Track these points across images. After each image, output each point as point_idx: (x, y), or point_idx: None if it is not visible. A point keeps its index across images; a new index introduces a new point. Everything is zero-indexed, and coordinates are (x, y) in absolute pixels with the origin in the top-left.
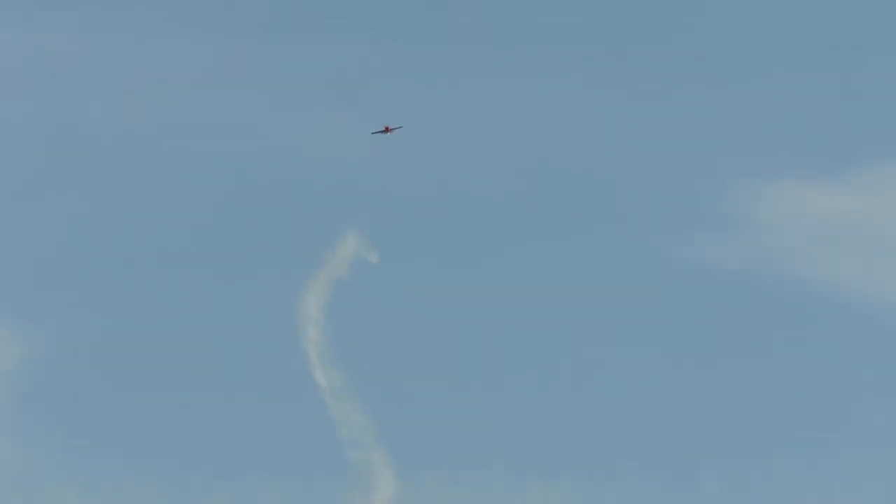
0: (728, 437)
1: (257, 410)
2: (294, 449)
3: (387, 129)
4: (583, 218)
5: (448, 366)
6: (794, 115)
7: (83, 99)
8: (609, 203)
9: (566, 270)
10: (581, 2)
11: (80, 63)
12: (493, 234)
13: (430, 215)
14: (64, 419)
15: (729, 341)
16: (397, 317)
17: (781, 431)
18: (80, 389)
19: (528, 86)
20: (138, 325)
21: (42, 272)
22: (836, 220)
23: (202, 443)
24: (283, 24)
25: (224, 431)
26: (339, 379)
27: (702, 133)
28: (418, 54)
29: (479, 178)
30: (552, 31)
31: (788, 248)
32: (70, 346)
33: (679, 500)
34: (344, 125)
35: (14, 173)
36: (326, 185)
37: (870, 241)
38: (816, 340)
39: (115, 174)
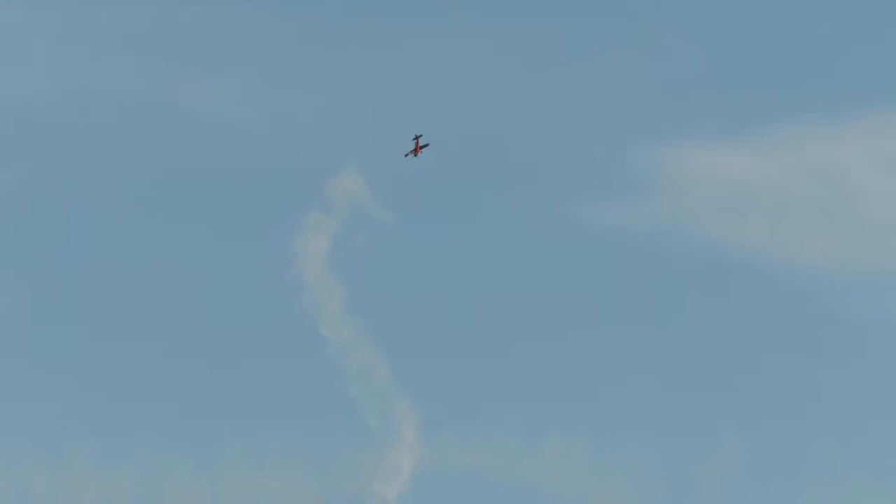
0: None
1: (268, 366)
2: (307, 405)
3: (417, 148)
4: (491, 183)
5: (465, 322)
6: (699, 79)
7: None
8: (517, 168)
9: (478, 238)
10: None
11: None
12: (399, 203)
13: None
14: (64, 374)
15: (639, 302)
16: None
17: (694, 390)
18: (82, 348)
19: (438, 54)
20: (138, 283)
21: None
22: (742, 182)
23: (213, 400)
24: None
25: (237, 388)
26: (352, 335)
27: (607, 97)
28: (328, 23)
29: (387, 146)
30: None
31: (694, 210)
32: (71, 303)
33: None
34: (264, 93)
35: None
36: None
37: (774, 201)
38: (723, 300)
39: (47, 143)
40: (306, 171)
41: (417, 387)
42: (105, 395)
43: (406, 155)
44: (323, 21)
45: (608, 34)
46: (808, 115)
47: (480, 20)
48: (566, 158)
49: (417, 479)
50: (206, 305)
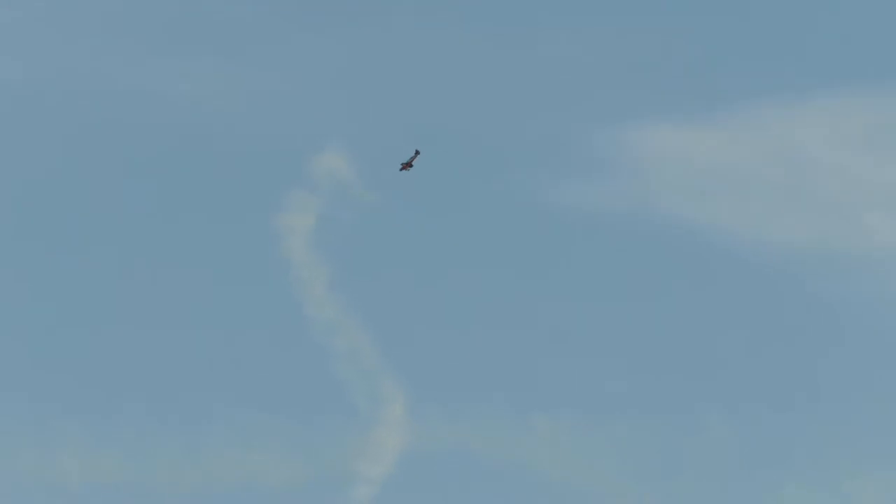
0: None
1: (253, 346)
2: (292, 385)
3: (410, 162)
4: (453, 164)
5: (448, 302)
6: (662, 59)
7: None
8: (479, 149)
9: (441, 220)
10: None
11: None
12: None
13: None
14: (47, 354)
15: (607, 283)
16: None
17: (660, 371)
18: (63, 328)
19: (396, 36)
20: (121, 265)
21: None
22: (706, 162)
23: (197, 380)
24: None
25: (222, 368)
26: (337, 314)
27: (570, 78)
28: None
29: (351, 128)
30: None
31: (658, 191)
32: (52, 285)
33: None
34: (232, 74)
35: None
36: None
37: (739, 181)
38: (691, 282)
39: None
40: (287, 151)
41: (403, 366)
42: (87, 375)
43: (401, 168)
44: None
45: (571, 14)
46: (772, 95)
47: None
48: (529, 140)
49: (403, 458)
50: (189, 286)
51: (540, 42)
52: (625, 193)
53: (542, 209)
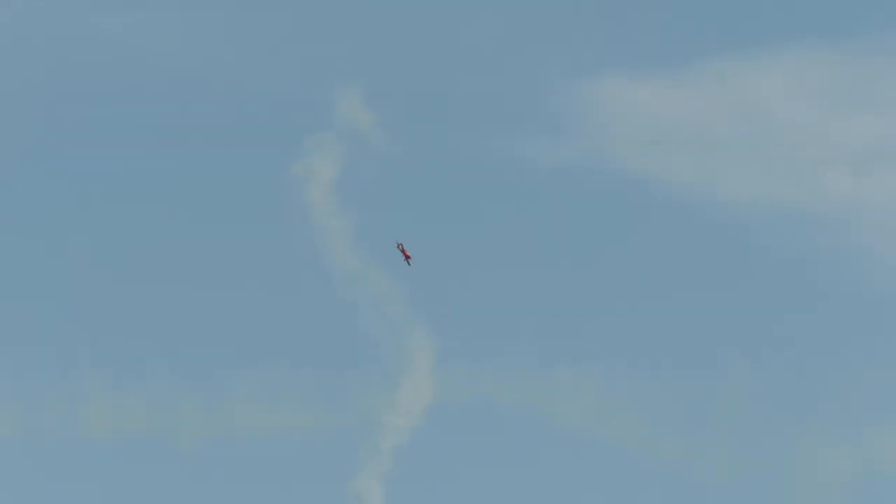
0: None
1: (276, 298)
2: (316, 338)
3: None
4: (412, 124)
5: (473, 253)
6: (620, 14)
7: None
8: (437, 108)
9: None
10: None
11: None
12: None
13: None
14: (72, 309)
15: (568, 242)
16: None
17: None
18: (87, 283)
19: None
20: (146, 217)
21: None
22: (664, 118)
23: (222, 333)
24: None
25: (246, 321)
26: (361, 266)
27: (526, 34)
28: None
29: (313, 92)
30: None
31: (620, 147)
32: (76, 238)
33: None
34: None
35: None
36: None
37: (697, 137)
38: (649, 237)
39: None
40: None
41: (428, 319)
42: (112, 330)
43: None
44: None
45: None
46: (730, 50)
47: None
48: (487, 97)
49: (428, 411)
50: (213, 238)
51: (496, 3)
52: (585, 148)
53: (506, 165)
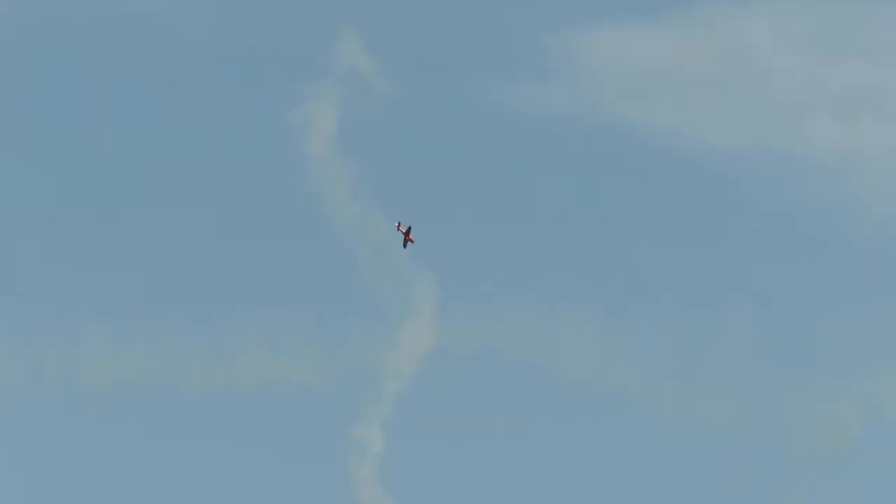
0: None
1: (277, 244)
2: (319, 284)
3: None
4: (402, 71)
5: (473, 197)
6: None
7: None
8: (426, 55)
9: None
10: None
11: None
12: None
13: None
14: (71, 252)
15: (565, 189)
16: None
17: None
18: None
19: None
20: (146, 160)
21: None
22: (652, 64)
23: (224, 280)
24: None
25: (248, 267)
26: (361, 212)
27: None
28: None
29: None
30: None
31: (607, 93)
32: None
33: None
34: None
35: None
36: None
37: (685, 83)
38: (639, 183)
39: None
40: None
41: (429, 264)
42: (109, 275)
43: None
44: None
45: None
46: None
47: None
48: (476, 44)
49: (430, 356)
50: (212, 185)
51: None
52: (571, 95)
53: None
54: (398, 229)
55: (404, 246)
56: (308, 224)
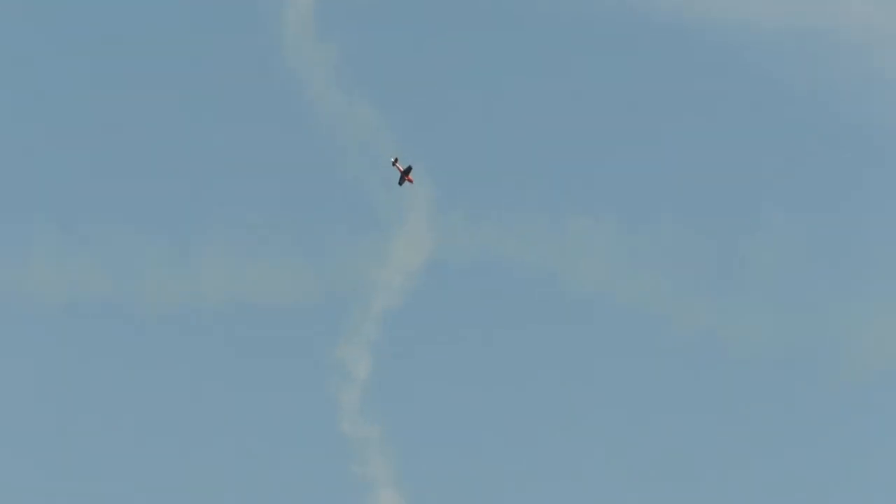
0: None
1: (257, 145)
2: (304, 187)
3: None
4: None
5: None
6: None
7: None
8: None
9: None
10: None
11: None
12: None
13: None
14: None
15: (569, 74)
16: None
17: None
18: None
19: None
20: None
21: None
22: None
23: (188, 186)
24: None
25: (215, 169)
26: (347, 104)
27: None
28: None
29: None
30: None
31: None
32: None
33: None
34: None
35: None
36: None
37: None
38: (652, 69)
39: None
40: None
41: (426, 168)
42: (70, 182)
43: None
44: None
45: None
46: None
47: None
48: None
49: (427, 266)
50: (183, 75)
51: None
52: None
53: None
54: (394, 165)
55: (400, 183)
56: (288, 116)
